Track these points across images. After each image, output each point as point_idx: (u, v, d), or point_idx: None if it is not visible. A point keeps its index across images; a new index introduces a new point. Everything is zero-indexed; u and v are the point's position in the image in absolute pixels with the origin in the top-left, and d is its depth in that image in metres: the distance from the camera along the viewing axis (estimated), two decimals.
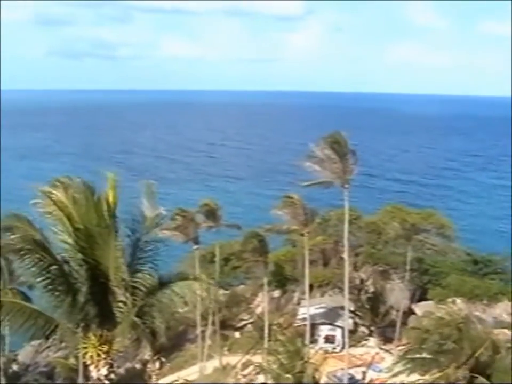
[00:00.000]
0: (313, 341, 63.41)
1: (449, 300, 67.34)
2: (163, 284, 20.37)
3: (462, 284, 70.25)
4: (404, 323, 64.83)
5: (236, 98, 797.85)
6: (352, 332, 64.02)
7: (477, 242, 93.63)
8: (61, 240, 19.24)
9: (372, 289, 70.17)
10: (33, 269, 19.14)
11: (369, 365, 61.93)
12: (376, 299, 68.02)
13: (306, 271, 60.52)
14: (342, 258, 67.85)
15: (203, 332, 63.07)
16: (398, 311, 65.61)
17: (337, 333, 65.18)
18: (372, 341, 67.05)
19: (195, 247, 60.89)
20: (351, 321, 64.11)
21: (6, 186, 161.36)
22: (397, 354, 49.67)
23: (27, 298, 32.10)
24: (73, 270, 19.25)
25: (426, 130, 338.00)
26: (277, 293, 74.26)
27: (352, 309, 64.93)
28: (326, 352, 62.69)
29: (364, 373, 60.53)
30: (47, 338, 19.74)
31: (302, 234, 60.58)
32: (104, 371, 19.45)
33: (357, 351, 64.41)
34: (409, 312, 68.46)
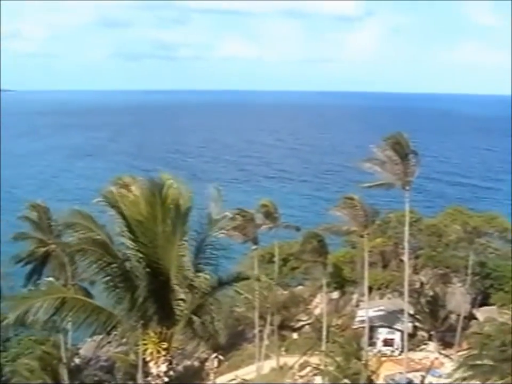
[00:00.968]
0: (372, 344, 62.92)
1: None
2: (223, 283, 20.52)
3: None
4: (464, 328, 63.74)
5: (293, 99, 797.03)
6: (411, 336, 63.22)
7: None
8: (123, 237, 19.54)
9: (431, 292, 69.12)
10: (94, 265, 19.49)
11: (428, 370, 61.04)
12: (436, 303, 66.96)
13: (366, 273, 60.07)
14: (401, 261, 67.23)
15: (261, 331, 63.24)
16: (458, 315, 64.49)
17: (396, 337, 64.50)
18: (431, 345, 66.08)
19: (254, 247, 61.11)
20: (410, 324, 63.31)
21: (64, 185, 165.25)
22: (457, 360, 48.82)
23: (89, 294, 32.76)
24: (134, 267, 19.52)
25: (486, 132, 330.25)
26: (335, 295, 73.93)
27: (411, 312, 64.10)
28: (384, 355, 62.11)
29: (423, 377, 59.67)
30: (108, 333, 20.07)
31: (362, 236, 60.15)
32: (163, 368, 19.65)
33: (416, 355, 63.60)
34: (470, 317, 67.27)
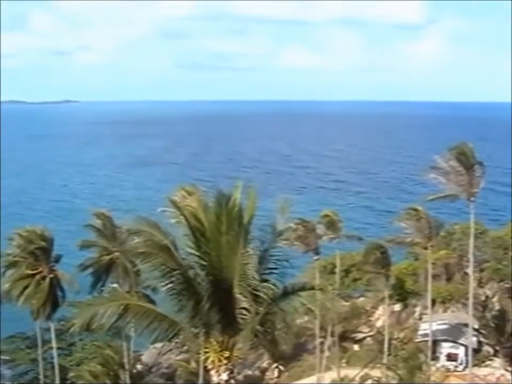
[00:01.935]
0: (435, 358, 61.73)
1: None
2: (287, 293, 20.46)
3: None
4: None
5: (353, 108, 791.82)
6: (476, 351, 61.75)
7: None
8: (187, 245, 19.70)
9: (497, 306, 67.46)
10: (157, 270, 19.70)
11: None
12: (502, 317, 65.24)
13: (429, 286, 59.09)
14: (466, 274, 65.89)
15: (322, 342, 62.87)
16: None
17: (460, 351, 63.09)
18: (497, 361, 64.36)
19: (315, 257, 60.93)
20: (475, 339, 61.87)
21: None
22: None
23: (152, 302, 33.13)
24: (197, 275, 19.64)
25: None
26: (397, 307, 72.93)
27: (476, 326, 62.66)
28: (448, 370, 60.86)
29: None
30: (169, 340, 20.22)
31: (426, 248, 59.25)
32: (224, 376, 19.69)
33: (481, 371, 62.00)
34: None
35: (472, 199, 51.86)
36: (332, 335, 63.51)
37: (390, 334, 63.19)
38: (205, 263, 19.44)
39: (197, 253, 19.56)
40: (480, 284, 70.01)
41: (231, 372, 19.83)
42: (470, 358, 56.63)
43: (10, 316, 64.92)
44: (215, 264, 19.34)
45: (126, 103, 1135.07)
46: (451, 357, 63.30)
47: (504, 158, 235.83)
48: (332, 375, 63.98)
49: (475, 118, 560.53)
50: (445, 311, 69.45)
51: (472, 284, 56.01)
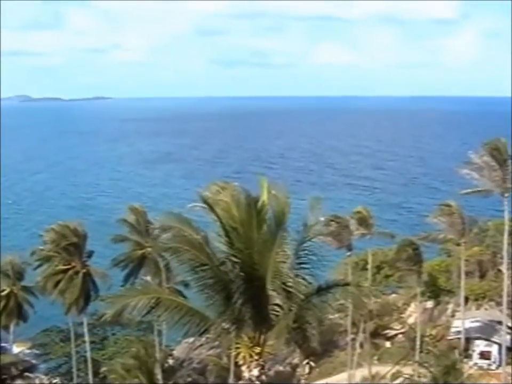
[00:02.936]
0: (467, 356, 61.16)
1: None
2: (320, 289, 20.40)
3: None
4: None
5: (388, 104, 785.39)
6: (510, 349, 61.05)
7: None
8: (219, 241, 19.73)
9: None
10: (187, 264, 19.77)
11: None
12: None
13: (462, 283, 58.59)
14: (500, 271, 65.08)
15: (353, 339, 62.64)
16: None
17: (494, 349, 62.37)
18: None
19: (348, 253, 60.77)
20: (508, 337, 61.14)
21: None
22: None
23: (183, 297, 33.29)
24: (229, 271, 19.65)
25: None
26: (430, 304, 72.36)
27: (510, 324, 61.93)
28: (481, 368, 60.23)
29: None
30: (200, 335, 20.27)
31: (459, 244, 58.77)
32: (255, 372, 19.67)
33: None
34: None
35: (506, 194, 51.29)
36: (364, 332, 63.26)
37: (422, 331, 62.71)
38: (236, 259, 19.44)
39: (229, 249, 19.57)
40: None
41: (262, 368, 19.80)
42: (503, 357, 56.00)
43: (44, 310, 65.75)
44: (247, 260, 19.33)
45: (160, 99, 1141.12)
46: (484, 355, 62.63)
47: None
48: (363, 372, 63.71)
49: None
50: (478, 308, 68.73)
51: (506, 281, 55.37)
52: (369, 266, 64.51)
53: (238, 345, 19.83)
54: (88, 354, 61.12)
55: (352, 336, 61.90)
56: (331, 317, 65.02)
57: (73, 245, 57.31)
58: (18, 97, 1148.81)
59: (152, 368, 48.63)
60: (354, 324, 61.63)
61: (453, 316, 69.26)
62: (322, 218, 20.99)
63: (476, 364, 61.51)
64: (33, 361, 72.71)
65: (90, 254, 58.84)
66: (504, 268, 55.75)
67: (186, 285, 42.78)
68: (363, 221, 60.25)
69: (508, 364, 57.55)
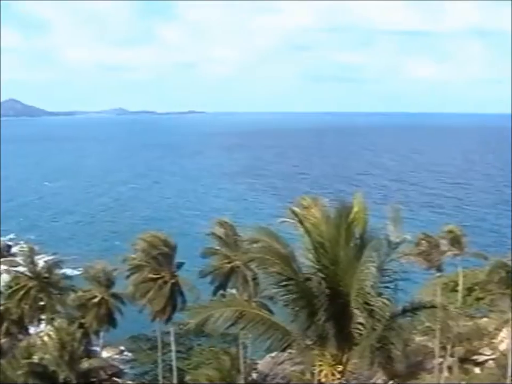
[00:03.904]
0: None
1: None
2: (406, 310, 20.06)
3: None
4: None
5: (482, 121, 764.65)
6: None
7: None
8: (305, 257, 19.70)
9: None
10: (274, 278, 19.82)
11: None
12: None
13: None
14: None
15: (441, 363, 61.07)
16: None
17: None
18: None
19: (438, 274, 59.47)
20: None
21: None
22: None
23: (269, 311, 33.32)
24: (314, 287, 19.56)
25: None
26: None
27: None
28: None
29: None
30: (283, 350, 20.23)
31: None
32: None
33: None
34: None
35: None
36: (452, 356, 61.57)
37: None
38: (323, 275, 19.34)
39: (315, 265, 19.50)
40: None
41: None
42: None
43: (134, 317, 67.20)
44: (332, 277, 19.21)
45: (251, 114, 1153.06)
46: None
47: None
48: None
49: None
50: None
51: None
52: (459, 287, 62.86)
53: (321, 363, 19.69)
54: (174, 363, 62.04)
55: (440, 359, 60.35)
56: (418, 338, 63.77)
57: (163, 255, 58.44)
58: (114, 110, 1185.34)
59: (235, 381, 48.91)
60: (442, 347, 60.09)
61: None
62: (408, 237, 20.58)
63: None
64: (121, 367, 74.62)
65: (180, 265, 59.82)
66: None
67: (272, 298, 42.88)
68: (455, 241, 58.88)
69: None
